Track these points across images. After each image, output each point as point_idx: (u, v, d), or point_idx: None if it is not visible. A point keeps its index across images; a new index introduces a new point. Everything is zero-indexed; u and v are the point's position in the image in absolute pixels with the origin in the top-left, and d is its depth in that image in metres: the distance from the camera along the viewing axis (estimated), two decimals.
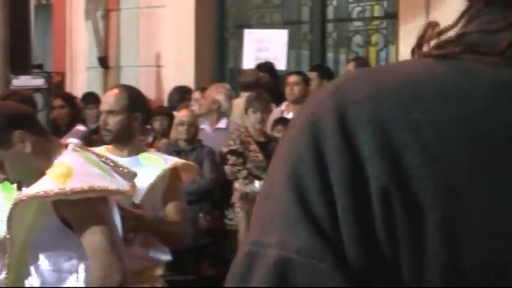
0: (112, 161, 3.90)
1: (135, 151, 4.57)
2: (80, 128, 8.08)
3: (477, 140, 0.89)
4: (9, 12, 8.39)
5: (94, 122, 8.69)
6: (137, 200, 4.34)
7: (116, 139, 4.57)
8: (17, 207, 3.55)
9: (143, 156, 4.58)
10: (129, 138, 4.57)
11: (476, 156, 0.89)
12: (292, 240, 0.89)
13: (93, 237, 3.49)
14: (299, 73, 8.06)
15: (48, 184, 3.48)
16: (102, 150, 4.56)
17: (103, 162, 3.81)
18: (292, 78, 7.78)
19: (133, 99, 4.60)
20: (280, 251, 0.88)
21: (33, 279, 3.70)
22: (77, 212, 3.50)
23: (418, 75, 0.92)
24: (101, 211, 3.56)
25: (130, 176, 3.95)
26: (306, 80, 7.78)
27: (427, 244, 0.86)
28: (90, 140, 7.86)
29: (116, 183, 3.71)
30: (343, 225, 0.87)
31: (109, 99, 4.58)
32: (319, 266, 0.88)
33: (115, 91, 4.67)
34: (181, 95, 8.28)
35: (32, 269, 3.68)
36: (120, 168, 3.89)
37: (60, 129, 8.07)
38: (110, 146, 4.61)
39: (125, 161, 4.35)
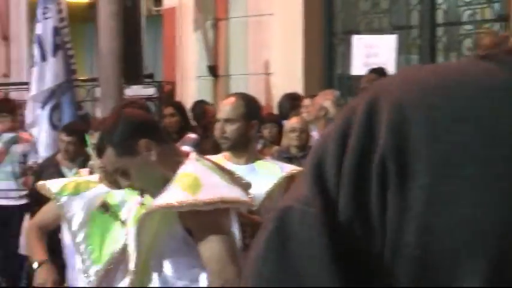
0: (229, 171, 3.91)
1: (252, 159, 4.60)
2: (191, 135, 8.23)
3: (483, 122, 0.99)
4: (121, 23, 8.55)
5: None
6: (254, 207, 4.31)
7: (233, 147, 4.59)
8: (148, 216, 3.62)
9: (259, 163, 4.62)
10: (246, 145, 4.60)
11: (481, 138, 0.98)
12: (296, 192, 1.05)
13: (213, 248, 3.48)
14: None
15: (179, 194, 3.49)
16: (220, 158, 4.62)
17: (222, 171, 3.82)
18: None
19: (250, 107, 4.62)
20: (285, 202, 1.06)
21: (156, 285, 3.73)
22: (199, 222, 3.51)
23: (449, 69, 1.07)
24: (223, 221, 3.57)
25: (246, 186, 3.97)
26: None
27: (412, 207, 0.97)
28: (201, 147, 7.99)
29: (240, 193, 3.71)
30: (342, 178, 1.01)
31: (226, 107, 4.61)
32: (309, 211, 1.02)
33: (232, 99, 4.70)
34: (292, 102, 8.31)
35: (155, 275, 3.70)
36: (237, 178, 3.92)
37: (171, 137, 8.24)
38: (227, 154, 4.64)
39: (241, 168, 4.40)
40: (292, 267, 1.04)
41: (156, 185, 3.58)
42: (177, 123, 8.45)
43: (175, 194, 3.52)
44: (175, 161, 3.63)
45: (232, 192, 3.69)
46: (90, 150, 4.88)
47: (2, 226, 8.00)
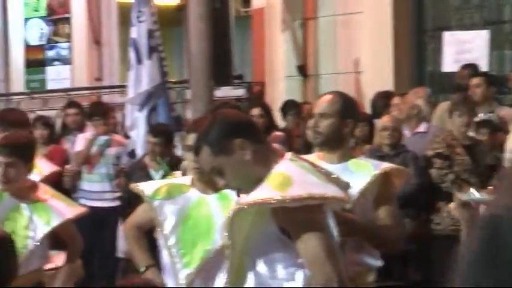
0: (326, 171, 3.89)
1: (345, 157, 4.55)
2: (278, 133, 8.26)
3: None
4: (210, 24, 8.63)
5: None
6: (348, 205, 4.26)
7: (325, 143, 4.57)
8: (238, 214, 3.62)
9: (353, 162, 4.56)
10: (339, 143, 4.55)
11: None
12: (503, 200, 1.07)
13: (310, 246, 3.49)
14: (483, 74, 8.01)
15: (267, 192, 3.51)
16: (313, 157, 4.57)
17: (318, 171, 3.81)
18: (475, 81, 7.79)
19: (347, 105, 4.61)
20: (493, 210, 1.07)
21: (251, 285, 3.72)
22: (295, 220, 3.52)
23: None
24: (319, 219, 3.56)
25: (344, 185, 3.95)
26: (488, 82, 7.78)
27: None
28: (289, 144, 8.02)
29: (332, 190, 3.69)
30: None
31: (323, 103, 4.59)
32: None
33: (329, 96, 4.69)
34: (385, 100, 8.28)
35: (251, 275, 3.71)
36: (334, 178, 3.89)
37: None
38: (321, 154, 4.60)
39: (335, 167, 4.33)
40: (507, 275, 1.05)
41: (250, 184, 3.61)
42: (264, 124, 8.51)
43: (263, 191, 3.54)
44: (270, 160, 3.65)
45: (323, 189, 3.67)
46: (183, 151, 4.94)
47: (98, 228, 8.12)
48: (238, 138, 3.62)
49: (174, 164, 7.20)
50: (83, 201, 8.04)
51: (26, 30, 13.30)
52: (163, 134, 7.76)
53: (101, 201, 8.41)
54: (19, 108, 9.86)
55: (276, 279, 3.66)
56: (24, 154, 5.23)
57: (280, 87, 10.24)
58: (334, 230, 3.76)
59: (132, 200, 7.15)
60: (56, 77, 12.92)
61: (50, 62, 13.05)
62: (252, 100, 10.22)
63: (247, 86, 10.65)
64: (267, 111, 8.60)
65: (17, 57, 13.41)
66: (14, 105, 11.71)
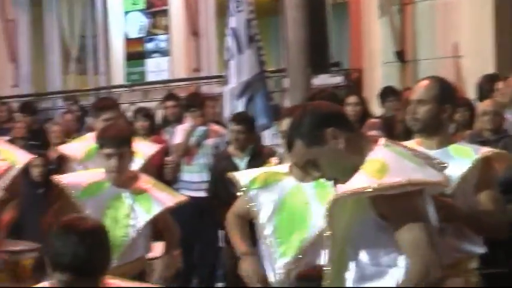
0: (424, 154, 3.85)
1: (445, 143, 4.50)
2: (374, 120, 8.24)
3: None
4: (307, 13, 8.65)
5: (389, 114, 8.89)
6: (448, 191, 4.21)
7: (423, 129, 4.52)
8: (336, 203, 3.60)
9: (453, 147, 4.50)
10: (437, 129, 4.50)
11: None
12: None
13: (411, 233, 3.46)
14: None
15: (364, 180, 3.49)
16: (412, 143, 4.52)
17: (415, 155, 3.76)
18: None
19: (444, 90, 4.56)
20: None
21: (352, 273, 3.71)
22: (395, 207, 3.48)
23: None
24: (419, 205, 3.53)
25: (442, 168, 3.88)
26: None
27: None
28: (390, 131, 7.98)
29: (430, 174, 3.65)
30: None
31: (420, 89, 4.55)
32: None
33: (426, 82, 4.66)
34: (492, 83, 8.04)
35: (352, 264, 3.69)
36: (432, 161, 3.84)
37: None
38: (419, 139, 4.56)
39: (434, 153, 4.28)
40: None
41: (346, 173, 3.59)
42: (360, 111, 8.49)
43: (360, 180, 3.52)
44: (364, 148, 3.63)
45: (421, 174, 3.63)
46: (280, 139, 4.94)
47: (197, 218, 8.21)
48: (329, 127, 3.60)
49: (257, 152, 7.29)
50: (183, 191, 8.07)
51: (126, 24, 13.53)
52: (245, 122, 7.78)
53: (200, 191, 8.42)
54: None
55: (379, 266, 3.63)
56: (129, 144, 5.31)
57: (378, 74, 10.20)
58: (434, 216, 3.71)
59: (219, 190, 7.26)
60: (155, 68, 13.14)
61: (149, 54, 13.28)
62: (350, 87, 10.21)
63: (344, 73, 10.65)
64: (362, 99, 8.58)
65: (117, 50, 13.69)
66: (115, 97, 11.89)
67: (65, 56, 15.12)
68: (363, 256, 3.64)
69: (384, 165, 3.55)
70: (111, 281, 3.55)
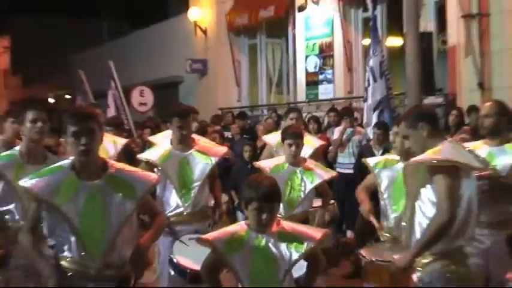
0: (473, 151, 3.95)
1: (503, 142, 4.52)
2: (465, 127, 8.14)
3: None
4: (421, 56, 8.58)
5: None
6: (503, 173, 4.39)
7: (488, 133, 4.56)
8: (407, 168, 3.71)
9: (508, 145, 4.49)
10: (498, 133, 4.54)
11: None
12: None
13: (441, 189, 3.50)
14: None
15: (426, 156, 3.58)
16: (481, 142, 4.58)
17: (464, 149, 3.83)
18: None
19: (501, 108, 4.58)
20: None
21: (418, 228, 3.61)
22: (440, 173, 3.52)
23: None
24: (455, 177, 3.53)
25: (483, 161, 4.04)
26: None
27: None
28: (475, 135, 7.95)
29: (472, 161, 3.67)
30: None
31: (486, 107, 4.63)
32: None
33: (490, 102, 4.71)
34: None
35: (418, 214, 3.63)
36: (478, 157, 3.96)
37: (450, 130, 8.36)
38: (487, 140, 4.60)
39: (495, 149, 4.47)
40: None
41: (420, 151, 3.67)
42: (457, 120, 8.50)
43: (424, 156, 3.59)
44: (435, 140, 3.67)
45: (465, 159, 3.60)
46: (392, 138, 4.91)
47: (346, 187, 7.92)
48: (422, 122, 3.71)
49: (388, 147, 7.09)
50: (338, 169, 8.17)
51: (306, 63, 13.41)
52: (383, 127, 7.77)
53: (348, 170, 8.43)
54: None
55: (427, 217, 3.58)
56: (302, 138, 5.19)
57: (466, 97, 9.90)
58: (470, 187, 3.62)
59: (361, 169, 7.25)
60: (324, 91, 12.97)
61: (321, 82, 13.11)
62: (447, 106, 9.95)
63: (444, 96, 10.35)
64: (460, 113, 8.57)
65: (301, 79, 13.57)
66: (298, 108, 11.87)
67: (269, 82, 15.17)
68: (424, 208, 3.62)
69: (439, 150, 3.61)
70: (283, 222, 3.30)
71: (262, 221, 3.13)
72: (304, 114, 10.49)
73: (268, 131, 8.30)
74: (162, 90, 15.61)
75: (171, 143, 5.07)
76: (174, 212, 4.92)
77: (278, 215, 3.32)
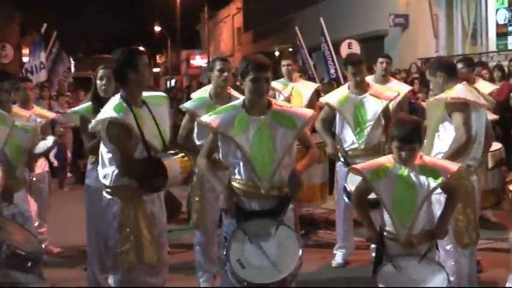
0: (483, 94, 4.23)
1: None
2: None
3: None
4: None
5: None
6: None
7: None
8: (429, 105, 4.12)
9: None
10: None
11: None
12: None
13: (457, 119, 3.92)
14: None
15: (443, 96, 3.99)
16: None
17: (475, 91, 4.16)
18: None
19: None
20: None
21: (434, 151, 3.97)
22: (453, 109, 3.91)
23: None
24: (467, 110, 3.96)
25: (491, 101, 4.29)
26: None
27: None
28: None
29: (479, 99, 4.04)
30: None
31: None
32: None
33: None
34: None
35: (436, 141, 4.01)
36: (483, 94, 4.24)
37: None
38: None
39: None
40: None
41: (438, 91, 4.02)
42: None
43: (441, 95, 3.99)
44: (453, 84, 4.01)
45: (469, 96, 4.01)
46: None
47: None
48: (439, 71, 4.06)
49: None
50: None
51: (496, 15, 13.96)
52: None
53: None
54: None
55: (444, 144, 3.91)
56: None
57: None
58: (480, 125, 3.99)
59: None
60: None
61: (510, 33, 13.18)
62: None
63: None
64: None
65: (492, 31, 14.09)
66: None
67: (464, 34, 15.38)
68: (442, 136, 4.05)
69: (453, 90, 4.02)
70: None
71: (402, 156, 3.35)
72: (493, 63, 10.86)
73: None
74: (368, 43, 16.47)
75: (348, 88, 5.35)
76: (350, 148, 5.26)
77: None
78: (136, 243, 3.62)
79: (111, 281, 3.85)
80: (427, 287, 3.15)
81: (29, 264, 3.40)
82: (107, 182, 3.71)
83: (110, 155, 3.62)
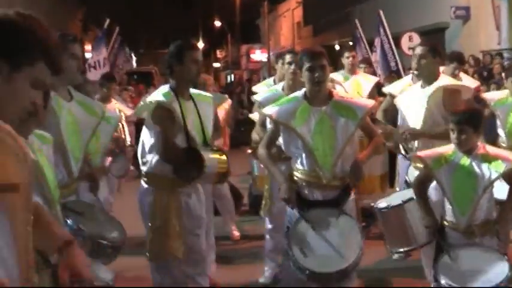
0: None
1: None
2: None
3: None
4: None
5: None
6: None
7: None
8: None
9: None
10: None
11: None
12: None
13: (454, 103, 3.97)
14: None
15: (436, 84, 4.18)
16: None
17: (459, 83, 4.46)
18: None
19: None
20: None
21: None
22: (451, 95, 4.13)
23: None
24: (457, 98, 4.12)
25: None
26: None
27: None
28: None
29: (466, 84, 4.47)
30: None
31: None
32: None
33: None
34: None
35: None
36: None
37: None
38: None
39: None
40: None
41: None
42: None
43: (436, 84, 4.15)
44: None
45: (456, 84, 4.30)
46: None
47: None
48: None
49: None
50: None
51: None
52: None
53: None
54: None
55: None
56: None
57: None
58: None
59: None
60: None
61: None
62: None
63: None
64: None
65: None
66: None
67: None
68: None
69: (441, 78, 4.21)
70: None
71: (456, 140, 3.36)
72: None
73: None
74: (428, 36, 15.66)
75: (411, 79, 5.27)
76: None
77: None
78: (163, 234, 3.65)
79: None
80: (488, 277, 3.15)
81: (110, 251, 3.40)
82: (145, 169, 3.73)
83: (152, 141, 3.64)
